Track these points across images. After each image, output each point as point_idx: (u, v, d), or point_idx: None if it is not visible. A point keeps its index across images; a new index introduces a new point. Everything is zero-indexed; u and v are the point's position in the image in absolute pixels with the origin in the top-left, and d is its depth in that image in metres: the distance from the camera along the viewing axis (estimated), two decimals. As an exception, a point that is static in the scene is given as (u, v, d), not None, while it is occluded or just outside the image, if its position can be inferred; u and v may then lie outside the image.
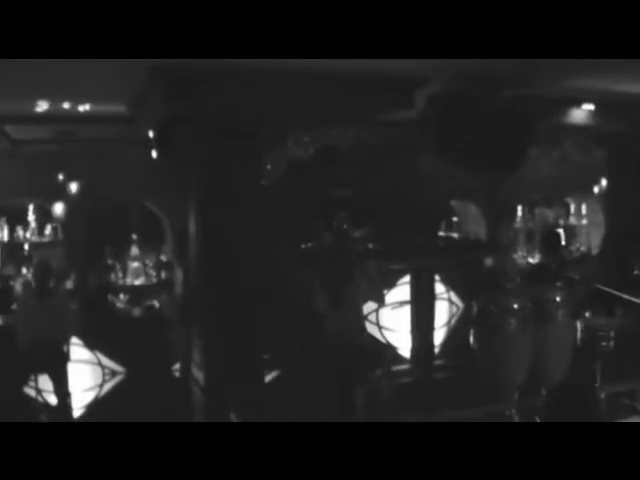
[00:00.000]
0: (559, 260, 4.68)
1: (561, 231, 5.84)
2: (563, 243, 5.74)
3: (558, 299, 4.33)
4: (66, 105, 4.17)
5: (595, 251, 6.08)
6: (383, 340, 4.89)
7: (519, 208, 6.09)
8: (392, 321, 4.90)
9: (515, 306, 4.50)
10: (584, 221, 6.43)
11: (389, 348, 4.83)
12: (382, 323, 4.87)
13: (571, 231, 6.34)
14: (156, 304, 5.00)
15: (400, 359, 4.89)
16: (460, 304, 5.12)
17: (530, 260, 5.70)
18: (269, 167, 4.48)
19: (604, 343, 4.31)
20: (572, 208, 6.51)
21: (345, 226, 4.51)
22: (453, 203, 5.94)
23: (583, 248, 6.29)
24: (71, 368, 4.07)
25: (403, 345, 4.96)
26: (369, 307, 4.47)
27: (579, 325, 4.56)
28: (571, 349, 3.99)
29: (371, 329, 4.71)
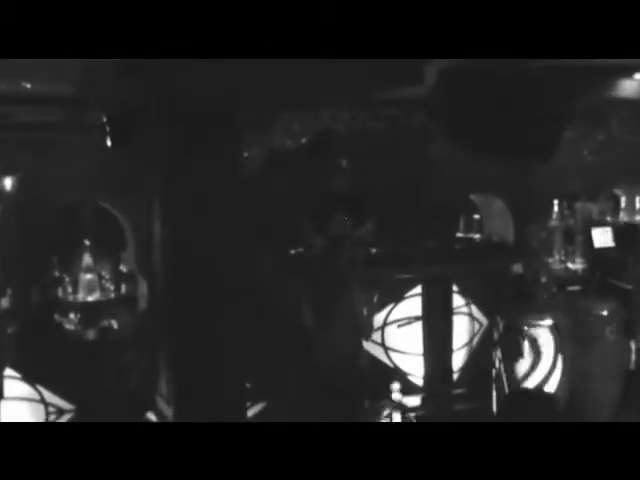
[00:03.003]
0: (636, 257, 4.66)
1: (609, 229, 5.93)
2: (612, 244, 5.84)
3: (605, 313, 4.43)
4: (1, 84, 4.30)
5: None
6: (389, 364, 5.00)
7: (555, 202, 6.18)
8: (400, 341, 5.01)
9: (550, 322, 4.61)
10: (639, 217, 6.52)
11: (396, 374, 4.94)
12: (388, 343, 4.98)
13: (621, 230, 6.38)
14: (114, 325, 5.10)
15: (410, 387, 5.00)
16: (483, 320, 5.23)
17: (569, 265, 5.79)
18: (248, 157, 4.59)
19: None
20: (622, 201, 6.62)
21: (341, 227, 4.63)
22: (473, 197, 6.04)
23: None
24: (5, 408, 4.11)
25: (413, 370, 5.07)
26: (370, 324, 4.58)
27: (632, 346, 4.65)
28: (622, 375, 4.06)
29: (374, 350, 4.83)
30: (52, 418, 4.40)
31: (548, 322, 4.81)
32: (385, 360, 4.98)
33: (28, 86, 4.31)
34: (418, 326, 4.99)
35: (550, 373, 4.64)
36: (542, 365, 4.67)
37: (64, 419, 4.40)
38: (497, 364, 4.97)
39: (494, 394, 4.93)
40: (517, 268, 5.35)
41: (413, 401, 4.84)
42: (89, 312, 5.31)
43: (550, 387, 4.58)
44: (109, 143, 4.26)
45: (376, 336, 4.89)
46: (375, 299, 4.44)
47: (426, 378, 5.00)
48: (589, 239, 5.76)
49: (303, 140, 4.77)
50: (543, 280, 5.17)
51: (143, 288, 4.61)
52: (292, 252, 4.90)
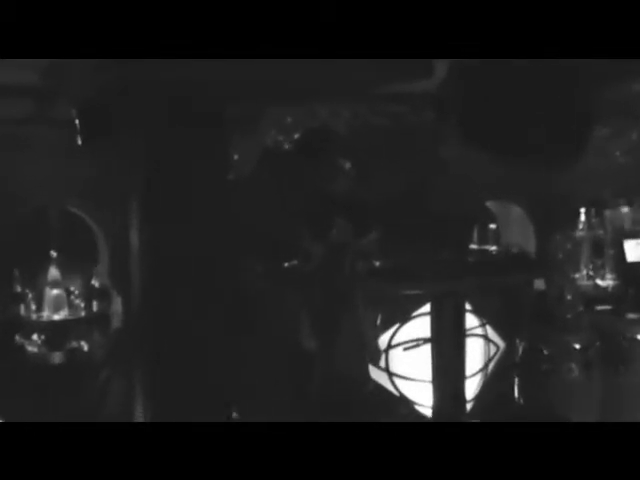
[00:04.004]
0: None
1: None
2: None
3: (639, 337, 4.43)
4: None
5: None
6: (395, 392, 5.00)
7: (582, 210, 6.19)
8: (406, 366, 5.00)
9: (577, 346, 4.62)
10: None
11: (403, 402, 4.93)
12: (393, 368, 4.97)
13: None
14: (84, 347, 5.09)
15: (418, 418, 4.99)
16: (500, 343, 5.20)
17: (598, 282, 5.78)
18: (238, 158, 4.60)
19: None
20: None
21: (342, 235, 4.63)
22: (489, 204, 6.04)
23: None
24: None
25: (422, 399, 5.07)
26: (377, 346, 4.58)
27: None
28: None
29: (377, 376, 4.82)
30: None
31: (575, 345, 4.82)
32: (389, 387, 4.98)
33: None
34: (427, 349, 4.97)
35: (575, 402, 4.65)
36: (565, 393, 4.68)
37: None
38: (516, 392, 4.97)
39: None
40: (539, 284, 5.30)
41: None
42: (55, 332, 5.30)
43: (576, 418, 4.58)
44: (80, 141, 4.26)
45: (379, 360, 4.89)
46: (379, 320, 4.42)
47: (435, 407, 5.00)
48: (621, 252, 5.74)
49: (299, 139, 4.79)
50: (568, 298, 5.16)
51: (117, 305, 4.62)
52: (287, 264, 4.91)
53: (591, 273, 5.83)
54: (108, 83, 3.66)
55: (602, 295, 5.45)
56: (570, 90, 3.76)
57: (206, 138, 3.74)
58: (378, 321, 4.67)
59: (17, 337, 5.21)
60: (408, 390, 5.05)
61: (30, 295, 5.51)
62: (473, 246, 5.69)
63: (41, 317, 5.44)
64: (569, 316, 5.06)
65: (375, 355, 4.28)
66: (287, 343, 4.38)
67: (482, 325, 5.14)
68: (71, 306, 5.53)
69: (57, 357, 5.04)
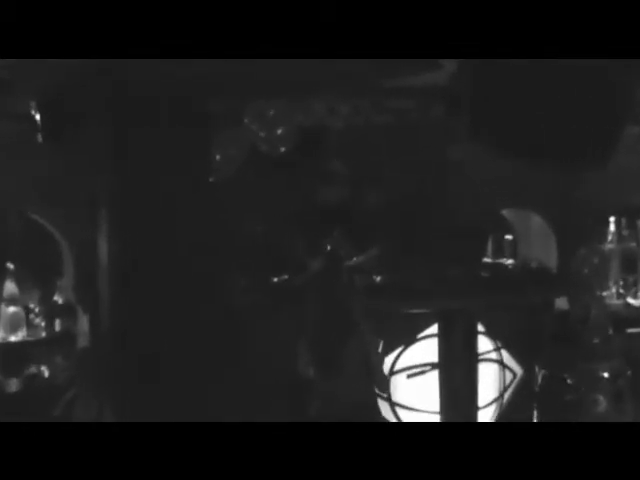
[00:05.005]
0: None
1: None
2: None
3: (677, 365, 4.41)
4: None
5: None
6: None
7: (611, 219, 6.17)
8: (410, 395, 4.98)
9: (605, 374, 4.61)
10: None
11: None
12: (395, 398, 4.95)
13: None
14: (45, 372, 5.06)
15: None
16: (517, 370, 5.19)
17: (630, 301, 5.77)
18: (220, 158, 4.59)
19: None
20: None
21: (339, 247, 4.61)
22: (505, 212, 6.05)
23: None
24: None
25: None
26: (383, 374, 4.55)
27: None
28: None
29: (381, 407, 4.80)
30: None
31: (603, 374, 4.80)
32: (391, 419, 4.95)
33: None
34: (434, 376, 4.96)
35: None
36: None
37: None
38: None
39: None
40: (561, 303, 5.32)
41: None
42: (12, 356, 5.26)
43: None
44: (40, 138, 4.24)
45: (386, 389, 4.86)
46: (380, 343, 4.39)
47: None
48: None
49: (292, 138, 4.78)
50: (595, 319, 5.15)
51: (84, 324, 4.59)
52: (276, 278, 4.89)
53: (622, 291, 5.80)
54: (73, 74, 3.65)
55: (634, 316, 5.44)
56: (599, 87, 3.76)
57: (185, 136, 3.74)
58: (380, 344, 4.65)
59: (-33, 361, 5.17)
60: (413, 421, 5.03)
61: (-18, 313, 5.47)
62: (486, 260, 5.68)
63: (-6, 338, 5.40)
64: (596, 340, 5.02)
65: (382, 383, 4.25)
66: (279, 371, 4.35)
67: (497, 349, 5.11)
68: (30, 326, 5.50)
69: (13, 384, 5.00)
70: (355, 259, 4.83)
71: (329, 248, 4.57)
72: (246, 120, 4.55)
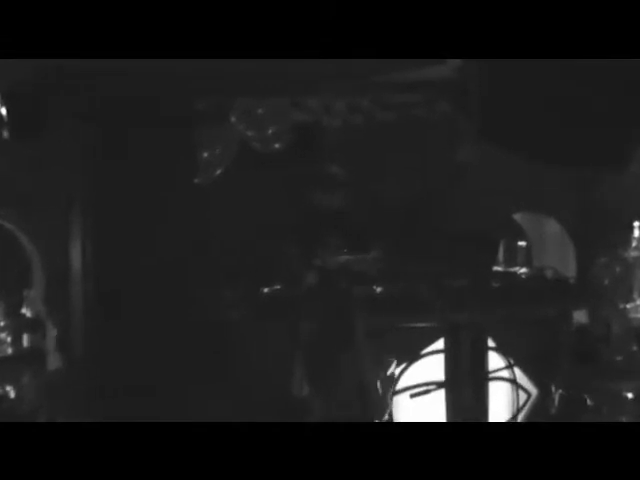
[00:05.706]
0: None
1: None
2: None
3: None
4: None
5: None
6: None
7: (635, 224, 6.14)
8: (414, 417, 4.99)
9: (629, 395, 4.62)
10: None
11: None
12: (397, 419, 4.96)
13: None
14: (11, 393, 5.09)
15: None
16: (532, 389, 5.18)
17: (656, 315, 5.76)
18: (207, 157, 4.60)
19: None
20: None
21: (336, 255, 4.62)
22: (517, 217, 6.03)
23: None
24: None
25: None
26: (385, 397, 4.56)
27: None
28: None
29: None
30: None
31: (627, 394, 4.83)
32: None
33: None
34: (439, 396, 4.96)
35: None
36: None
37: None
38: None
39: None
40: (580, 316, 5.33)
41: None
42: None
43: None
44: (8, 135, 4.27)
45: (387, 411, 4.86)
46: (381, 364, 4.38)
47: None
48: None
49: (285, 136, 4.79)
50: (617, 334, 5.15)
51: (53, 339, 4.61)
52: (267, 289, 4.89)
53: (646, 304, 5.82)
54: (48, 68, 3.69)
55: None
56: (619, 86, 3.78)
57: (167, 135, 3.76)
58: (380, 362, 4.66)
59: None
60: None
61: (-55, 329, 5.50)
62: (497, 268, 5.66)
63: (-46, 357, 5.41)
64: (618, 357, 5.03)
65: (379, 406, 4.27)
66: (272, 391, 4.37)
67: (509, 367, 5.08)
68: (-4, 342, 5.52)
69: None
70: (354, 264, 4.85)
71: (325, 258, 4.59)
72: (233, 118, 4.57)
